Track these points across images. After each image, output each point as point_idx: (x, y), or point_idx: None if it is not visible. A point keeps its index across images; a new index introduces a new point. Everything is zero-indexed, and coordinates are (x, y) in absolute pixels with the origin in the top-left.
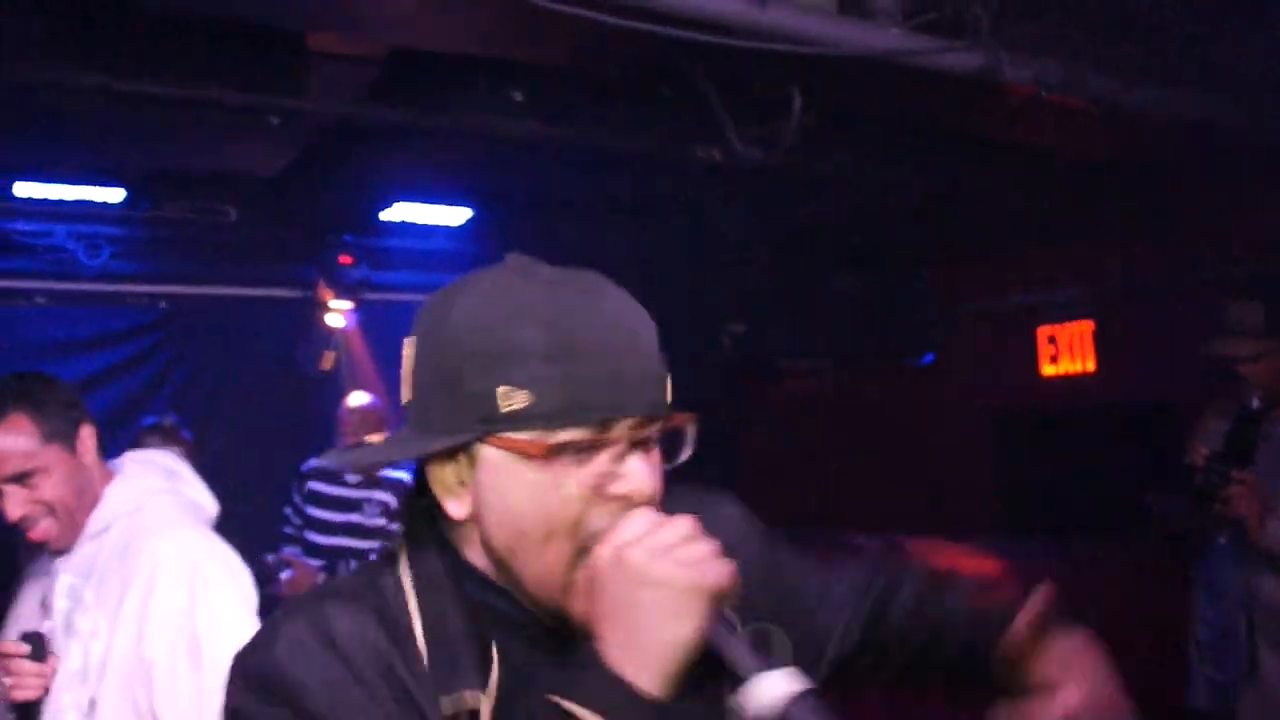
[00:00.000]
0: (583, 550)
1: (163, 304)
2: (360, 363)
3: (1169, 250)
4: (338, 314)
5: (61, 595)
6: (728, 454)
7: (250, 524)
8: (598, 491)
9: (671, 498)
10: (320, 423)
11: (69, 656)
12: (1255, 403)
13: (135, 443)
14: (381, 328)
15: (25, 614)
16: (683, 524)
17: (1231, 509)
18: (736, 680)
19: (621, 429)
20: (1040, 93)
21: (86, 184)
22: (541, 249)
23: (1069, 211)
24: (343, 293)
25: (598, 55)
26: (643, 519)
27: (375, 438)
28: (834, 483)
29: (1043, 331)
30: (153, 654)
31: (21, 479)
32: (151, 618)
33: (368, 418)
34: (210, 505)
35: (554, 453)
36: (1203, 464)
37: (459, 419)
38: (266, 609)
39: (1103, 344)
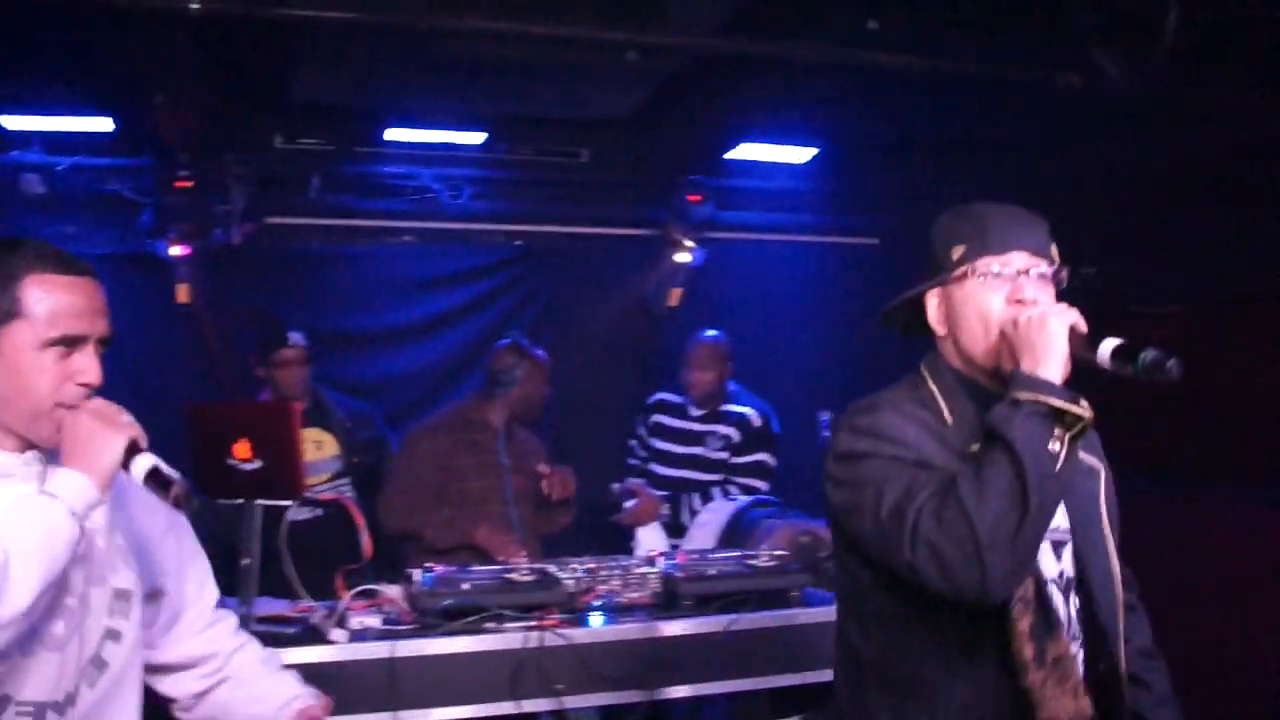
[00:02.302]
0: (1003, 333)
1: (518, 242)
2: (707, 300)
3: None
4: (685, 252)
5: None
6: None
7: (599, 453)
8: (1010, 299)
9: None
10: (666, 358)
11: None
12: None
13: (491, 362)
14: (727, 266)
15: None
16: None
17: None
18: (1093, 352)
19: (1018, 259)
20: None
21: (449, 129)
22: (887, 187)
23: None
24: (690, 231)
25: None
26: (1033, 305)
27: (710, 375)
28: (1187, 433)
29: None
30: None
31: None
32: None
33: (715, 351)
34: None
35: (979, 273)
36: None
37: (935, 271)
38: (609, 537)
39: None
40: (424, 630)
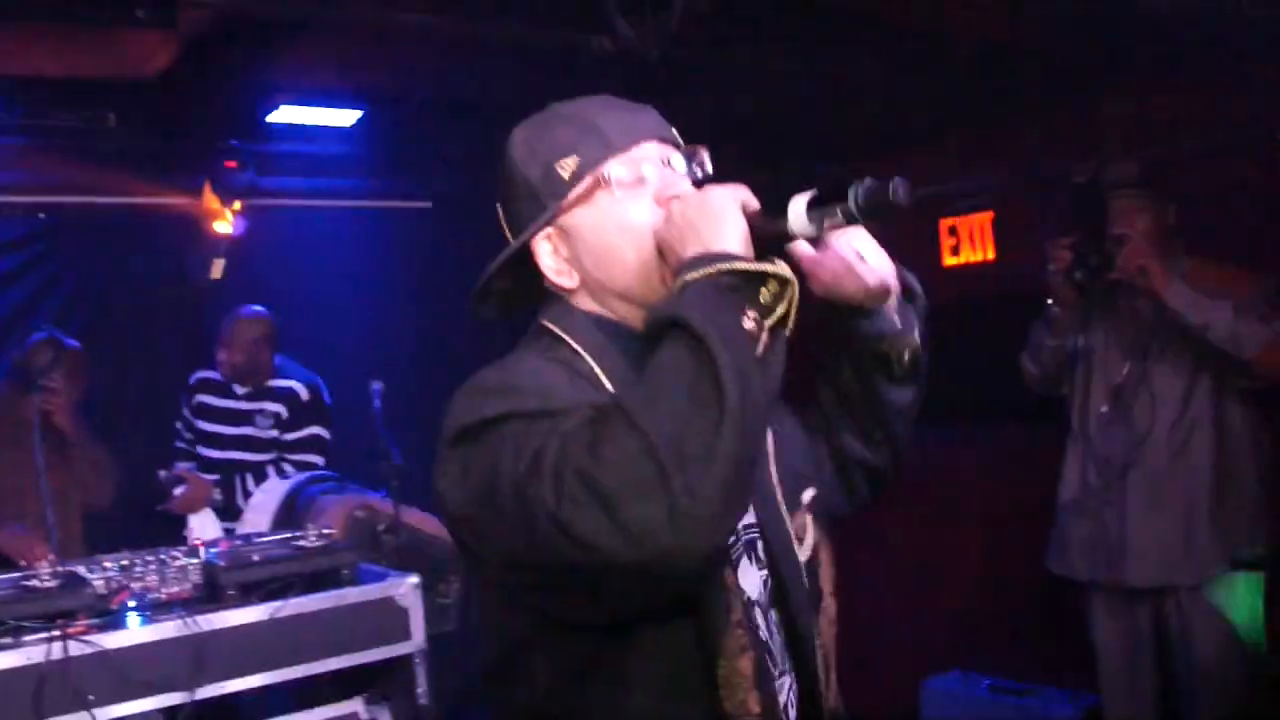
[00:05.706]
0: (658, 243)
1: (42, 215)
2: (253, 270)
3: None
4: (226, 221)
5: None
6: None
7: (144, 439)
8: (656, 200)
9: None
10: (212, 333)
11: None
12: None
13: (27, 359)
14: (274, 234)
15: None
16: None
17: (1130, 264)
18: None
19: (650, 150)
20: None
21: None
22: (438, 149)
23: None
24: (229, 199)
25: None
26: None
27: (240, 355)
28: None
29: (944, 223)
30: None
31: None
32: None
33: (251, 329)
34: None
35: (608, 182)
36: (1073, 256)
37: (539, 207)
38: (161, 526)
39: (1001, 234)
40: None
